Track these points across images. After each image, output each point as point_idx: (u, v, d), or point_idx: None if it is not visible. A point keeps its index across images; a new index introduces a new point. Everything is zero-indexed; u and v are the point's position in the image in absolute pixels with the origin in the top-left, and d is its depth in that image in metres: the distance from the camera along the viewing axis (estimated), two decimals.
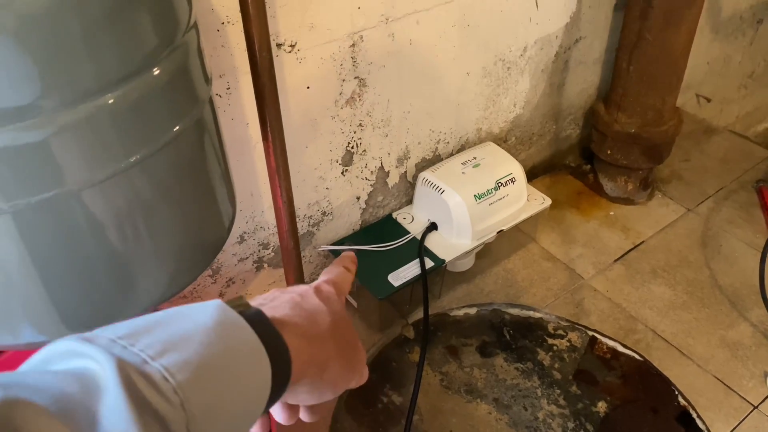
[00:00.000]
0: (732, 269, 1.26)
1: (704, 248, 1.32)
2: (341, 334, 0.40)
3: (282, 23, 0.86)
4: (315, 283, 0.42)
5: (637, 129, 1.31)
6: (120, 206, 0.53)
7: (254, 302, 0.38)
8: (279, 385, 0.34)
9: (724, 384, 1.06)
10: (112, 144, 0.50)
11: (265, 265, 1.09)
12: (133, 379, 0.27)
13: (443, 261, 1.11)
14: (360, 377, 0.42)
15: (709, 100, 1.79)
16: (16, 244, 0.49)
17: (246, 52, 0.74)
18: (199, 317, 0.32)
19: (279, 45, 0.88)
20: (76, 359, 0.28)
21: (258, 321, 0.34)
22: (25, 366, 0.29)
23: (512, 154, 1.24)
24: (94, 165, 0.49)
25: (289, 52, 0.90)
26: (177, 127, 0.55)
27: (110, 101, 0.48)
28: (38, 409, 0.25)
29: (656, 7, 1.16)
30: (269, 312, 0.36)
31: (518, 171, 1.19)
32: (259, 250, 1.06)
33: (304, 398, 0.38)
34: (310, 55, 0.92)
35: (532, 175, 1.47)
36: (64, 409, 0.26)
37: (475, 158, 1.19)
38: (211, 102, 0.60)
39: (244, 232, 1.02)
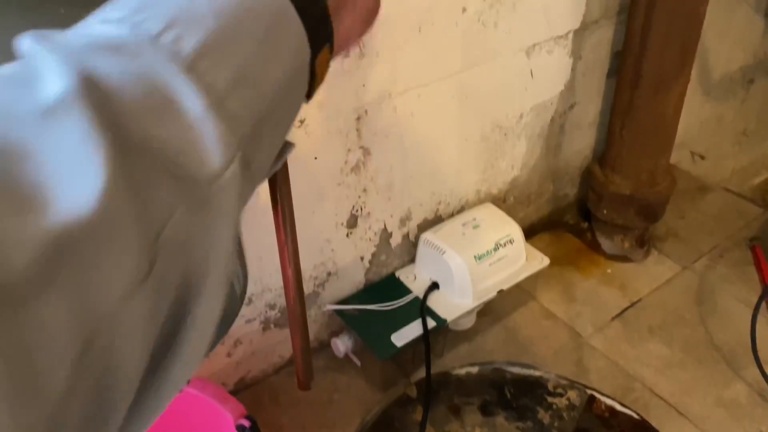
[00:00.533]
0: (727, 327, 1.29)
1: (700, 306, 1.35)
2: None
3: None
4: None
5: (631, 190, 1.36)
6: None
7: None
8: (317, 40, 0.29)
9: None
10: None
11: (272, 326, 1.12)
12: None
13: (445, 321, 1.15)
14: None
15: (703, 158, 1.85)
16: None
17: None
18: None
19: None
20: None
21: None
22: None
23: (511, 214, 1.28)
24: None
25: (299, 127, 0.95)
26: None
27: None
28: None
29: (645, 76, 1.23)
30: None
31: (516, 232, 1.23)
32: (266, 311, 1.10)
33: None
34: (318, 130, 0.98)
35: (531, 233, 1.51)
36: None
37: (474, 219, 1.24)
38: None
39: (252, 294, 1.06)
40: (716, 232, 1.55)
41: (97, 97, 0.22)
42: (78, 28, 0.25)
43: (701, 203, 1.65)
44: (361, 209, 1.13)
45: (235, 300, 0.73)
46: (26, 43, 0.24)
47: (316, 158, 1.00)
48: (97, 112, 0.22)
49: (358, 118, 1.02)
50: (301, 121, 0.95)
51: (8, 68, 0.23)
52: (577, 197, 1.59)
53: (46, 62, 0.22)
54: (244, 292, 0.74)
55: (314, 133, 0.98)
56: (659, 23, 1.16)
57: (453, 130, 1.18)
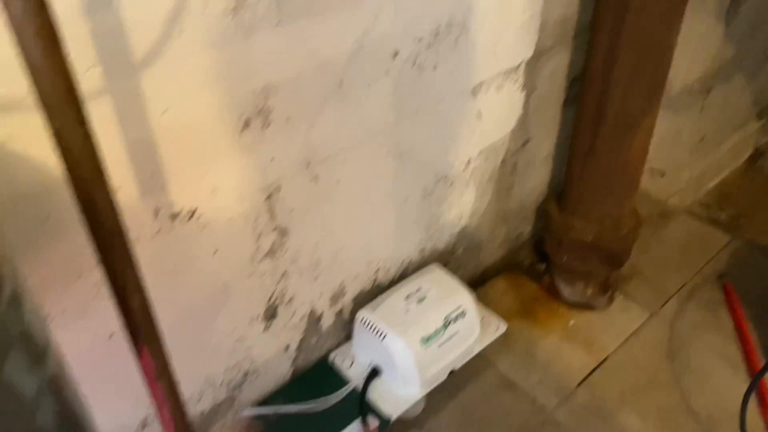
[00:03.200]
0: (704, 388, 1.16)
1: (672, 362, 1.21)
2: None
3: (175, 192, 0.71)
4: None
5: (595, 237, 1.20)
6: None
7: None
8: None
9: None
10: None
11: None
12: None
13: (388, 421, 0.97)
14: None
15: (663, 174, 1.71)
16: None
17: None
18: None
19: (174, 215, 0.72)
20: None
21: None
22: None
23: (462, 264, 1.11)
24: None
25: (189, 219, 0.74)
26: None
27: None
28: None
29: (610, 116, 1.06)
30: None
31: (468, 302, 1.05)
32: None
33: None
34: (215, 219, 0.77)
35: (484, 279, 1.34)
36: None
37: (419, 290, 1.05)
38: None
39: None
40: (683, 268, 1.41)
41: None
42: None
43: (664, 233, 1.51)
44: (282, 296, 0.92)
45: None
46: None
47: (216, 252, 0.79)
48: None
49: (269, 197, 0.81)
50: (192, 212, 0.74)
51: None
52: (532, 234, 1.42)
53: None
54: None
55: (210, 224, 0.76)
56: (626, 56, 0.99)
57: (390, 192, 0.99)
